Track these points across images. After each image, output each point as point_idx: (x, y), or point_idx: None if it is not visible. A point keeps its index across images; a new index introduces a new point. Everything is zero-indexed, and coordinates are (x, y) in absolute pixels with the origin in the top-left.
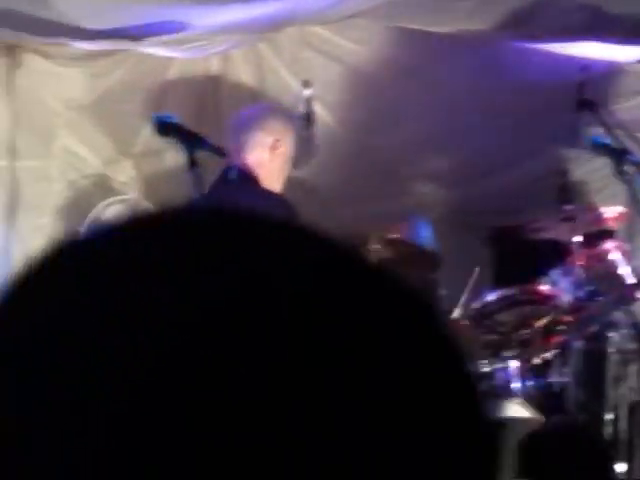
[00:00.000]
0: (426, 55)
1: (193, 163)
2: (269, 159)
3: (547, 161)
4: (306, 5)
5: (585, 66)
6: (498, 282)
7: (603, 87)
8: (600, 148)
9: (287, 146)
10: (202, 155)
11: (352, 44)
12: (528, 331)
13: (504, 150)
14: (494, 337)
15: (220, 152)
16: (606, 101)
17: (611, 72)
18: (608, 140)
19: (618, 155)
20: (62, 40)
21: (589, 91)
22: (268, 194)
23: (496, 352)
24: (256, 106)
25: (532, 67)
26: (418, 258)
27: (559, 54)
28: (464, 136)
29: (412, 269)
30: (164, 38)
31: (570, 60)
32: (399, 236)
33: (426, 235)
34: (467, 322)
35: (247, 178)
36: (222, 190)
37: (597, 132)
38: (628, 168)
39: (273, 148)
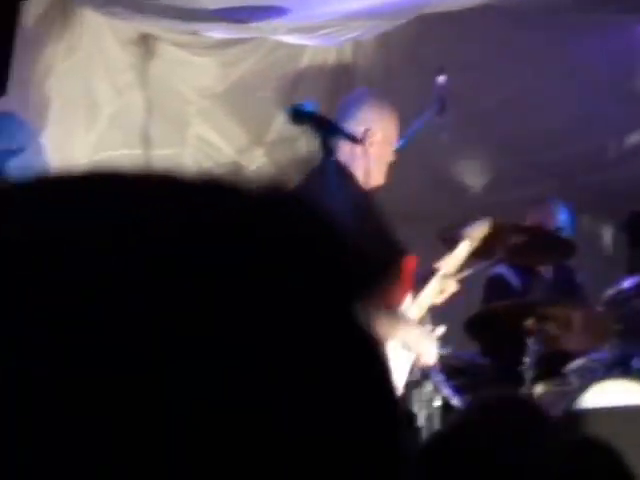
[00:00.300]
0: (556, 40)
1: (329, 150)
2: (361, 150)
3: None
4: None
5: None
6: (633, 269)
7: None
8: None
9: (383, 135)
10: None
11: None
12: None
13: None
14: (629, 325)
15: (355, 139)
16: None
17: None
18: None
19: None
20: (176, 24)
21: None
22: (354, 191)
23: (629, 339)
24: (350, 94)
25: None
26: (553, 245)
27: None
28: (600, 121)
29: (547, 256)
30: (291, 25)
31: None
32: (534, 223)
33: (565, 220)
34: (601, 309)
35: (340, 172)
36: (315, 182)
37: None
38: None
39: (364, 138)
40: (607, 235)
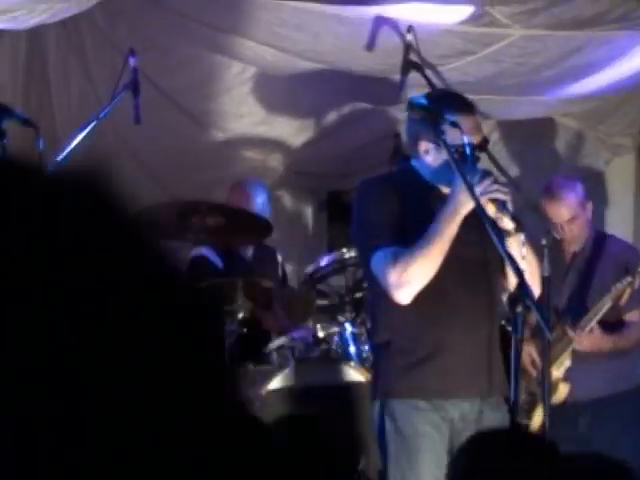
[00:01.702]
0: None
1: (0, 134)
2: None
3: (380, 123)
4: None
5: (410, 27)
6: (333, 246)
7: (429, 48)
8: (417, 108)
9: None
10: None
11: None
12: (361, 294)
13: (339, 112)
14: (328, 301)
15: (29, 123)
16: (430, 62)
17: (437, 33)
18: (423, 100)
19: (434, 115)
20: None
21: (415, 52)
22: None
23: (331, 316)
24: None
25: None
26: (249, 225)
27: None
28: (299, 97)
29: (244, 236)
30: None
31: (396, 22)
32: (233, 203)
33: (262, 200)
34: (300, 287)
35: None
36: None
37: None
38: (445, 128)
39: None
40: (308, 213)
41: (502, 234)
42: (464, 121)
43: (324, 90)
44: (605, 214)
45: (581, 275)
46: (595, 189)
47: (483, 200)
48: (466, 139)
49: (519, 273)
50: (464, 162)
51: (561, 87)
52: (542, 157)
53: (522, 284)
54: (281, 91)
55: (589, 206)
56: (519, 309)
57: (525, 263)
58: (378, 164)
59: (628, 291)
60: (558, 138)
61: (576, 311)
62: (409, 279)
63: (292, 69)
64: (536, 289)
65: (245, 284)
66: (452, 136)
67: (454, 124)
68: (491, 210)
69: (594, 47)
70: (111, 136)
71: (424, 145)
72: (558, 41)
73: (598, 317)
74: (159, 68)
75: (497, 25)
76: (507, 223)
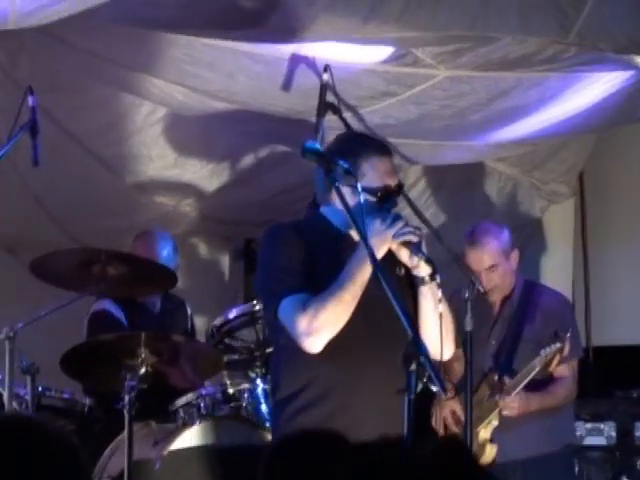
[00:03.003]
0: None
1: None
2: None
3: (299, 168)
4: None
5: (326, 66)
6: (251, 298)
7: (347, 89)
8: (308, 154)
9: None
10: None
11: None
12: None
13: (256, 155)
14: (238, 356)
15: None
16: (350, 103)
17: (356, 73)
18: (317, 145)
19: (327, 161)
20: None
21: (331, 93)
22: None
23: (242, 372)
24: None
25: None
26: (153, 275)
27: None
28: (213, 139)
29: (147, 286)
30: None
31: (313, 61)
32: (135, 251)
33: (167, 251)
34: (208, 341)
35: None
36: None
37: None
38: (337, 175)
39: None
40: (223, 262)
41: (414, 283)
42: (379, 164)
43: (240, 132)
44: (543, 262)
45: (509, 328)
46: (532, 236)
47: (395, 244)
48: (375, 183)
49: (412, 328)
50: (376, 207)
51: (489, 131)
52: (474, 205)
53: (416, 339)
54: (194, 132)
55: (514, 254)
56: (412, 367)
57: (437, 314)
58: (299, 211)
59: (557, 357)
60: (490, 184)
61: (504, 368)
62: (320, 326)
63: (205, 109)
64: (450, 344)
65: (149, 338)
66: (370, 178)
67: (347, 171)
68: (404, 255)
69: (523, 89)
70: (13, 177)
71: (333, 191)
72: (485, 83)
73: (525, 382)
74: (65, 109)
75: (421, 65)
76: (422, 268)
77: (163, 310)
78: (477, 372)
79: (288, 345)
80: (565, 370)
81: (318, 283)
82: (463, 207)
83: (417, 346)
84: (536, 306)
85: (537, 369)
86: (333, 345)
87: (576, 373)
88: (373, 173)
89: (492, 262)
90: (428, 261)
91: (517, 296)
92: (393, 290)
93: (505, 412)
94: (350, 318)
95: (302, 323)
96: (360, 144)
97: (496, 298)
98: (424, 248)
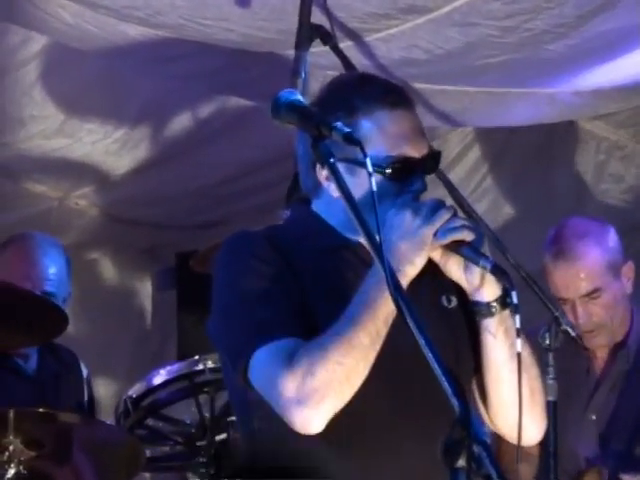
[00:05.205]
0: None
1: None
2: None
3: (266, 135)
4: None
5: None
6: (186, 350)
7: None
8: (287, 111)
9: None
10: None
11: None
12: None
13: (193, 114)
14: (168, 447)
15: None
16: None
17: None
18: (298, 97)
19: (315, 123)
20: None
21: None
22: None
23: (176, 475)
24: None
25: None
26: (29, 313)
27: None
28: (123, 90)
29: (18, 334)
30: None
31: None
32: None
33: (55, 270)
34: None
35: None
36: None
37: None
38: (333, 145)
39: None
40: (142, 291)
41: (473, 315)
42: (388, 122)
43: (167, 76)
44: None
45: (622, 395)
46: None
47: (438, 252)
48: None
49: (459, 395)
50: (401, 195)
51: (580, 71)
52: (557, 191)
53: (464, 414)
54: (92, 78)
55: (627, 270)
56: (459, 462)
57: (512, 363)
58: (268, 209)
59: None
60: (584, 158)
61: (617, 460)
62: (318, 389)
63: (110, 39)
64: (539, 420)
65: (20, 417)
66: (375, 146)
67: (349, 138)
68: (455, 268)
69: (636, 2)
70: None
71: (325, 171)
72: None
73: None
74: None
75: None
76: (487, 287)
77: (42, 370)
78: (567, 467)
79: (268, 426)
80: None
81: (313, 321)
82: (539, 195)
83: (467, 427)
84: None
85: None
86: (340, 424)
87: None
88: (379, 137)
89: (593, 285)
90: (497, 272)
91: (635, 342)
92: (428, 334)
93: None
94: (366, 380)
95: (290, 386)
96: (358, 90)
97: (599, 345)
98: (487, 251)
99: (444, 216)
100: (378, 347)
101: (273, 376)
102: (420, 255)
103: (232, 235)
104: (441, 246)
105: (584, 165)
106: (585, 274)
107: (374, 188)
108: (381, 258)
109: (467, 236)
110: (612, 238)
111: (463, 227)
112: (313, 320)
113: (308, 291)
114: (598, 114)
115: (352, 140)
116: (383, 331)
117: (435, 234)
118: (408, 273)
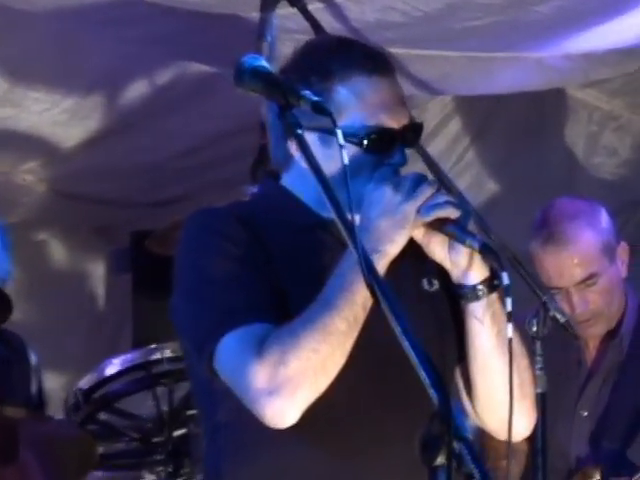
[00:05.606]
0: None
1: None
2: None
3: (228, 104)
4: None
5: None
6: (141, 337)
7: None
8: (252, 78)
9: None
10: None
11: None
12: (186, 430)
13: (150, 81)
14: (124, 444)
15: None
16: None
17: None
18: (263, 63)
19: (282, 91)
20: None
21: None
22: None
23: (131, 474)
24: None
25: None
26: None
27: None
28: (73, 52)
29: None
30: None
31: None
32: None
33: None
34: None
35: None
36: None
37: None
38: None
39: None
40: (95, 273)
41: (458, 299)
42: (366, 89)
43: (121, 40)
44: None
45: (616, 388)
46: None
47: (420, 230)
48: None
49: (438, 386)
50: (378, 168)
51: (572, 33)
52: (545, 167)
53: (443, 408)
54: (38, 41)
55: (621, 251)
56: (439, 460)
57: (502, 352)
58: (227, 182)
59: None
60: (575, 129)
61: (610, 460)
62: (291, 379)
63: None
64: (528, 414)
65: None
66: (351, 115)
67: (318, 106)
68: (438, 248)
69: None
70: None
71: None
72: None
73: None
74: None
75: None
76: (474, 268)
77: None
78: (557, 465)
79: (235, 421)
80: None
81: (284, 305)
82: (526, 170)
83: (448, 421)
84: None
85: None
86: (314, 416)
87: None
88: (356, 105)
89: (589, 271)
90: (486, 252)
91: (629, 330)
92: (407, 320)
93: None
94: (342, 370)
95: (260, 375)
96: (335, 54)
97: (596, 335)
98: (473, 229)
99: (427, 191)
100: (355, 334)
101: (242, 364)
102: (402, 234)
103: (195, 212)
104: (424, 224)
105: (575, 137)
106: (579, 259)
107: (345, 161)
108: (353, 238)
109: (452, 213)
110: (604, 219)
111: (448, 203)
112: (286, 304)
113: (280, 273)
114: (590, 80)
115: (322, 109)
116: (361, 317)
117: (418, 211)
118: (389, 252)
